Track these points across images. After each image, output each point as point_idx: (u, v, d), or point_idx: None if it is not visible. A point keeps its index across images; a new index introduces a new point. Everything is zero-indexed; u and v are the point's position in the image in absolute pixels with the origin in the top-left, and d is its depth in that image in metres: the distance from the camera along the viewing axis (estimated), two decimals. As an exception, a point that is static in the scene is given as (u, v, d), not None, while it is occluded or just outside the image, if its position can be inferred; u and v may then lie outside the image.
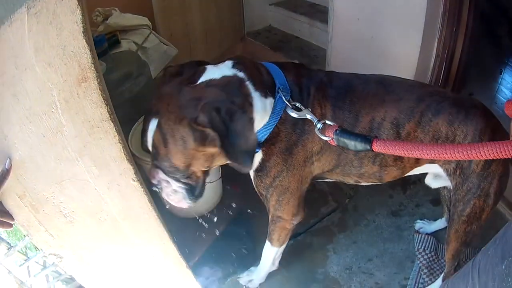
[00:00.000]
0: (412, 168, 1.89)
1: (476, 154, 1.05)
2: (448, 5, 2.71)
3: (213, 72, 1.61)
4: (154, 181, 1.66)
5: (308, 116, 1.57)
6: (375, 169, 1.87)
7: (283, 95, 1.64)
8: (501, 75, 3.63)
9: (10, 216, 1.51)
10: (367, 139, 1.35)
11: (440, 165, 1.85)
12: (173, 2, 4.01)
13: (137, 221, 1.71)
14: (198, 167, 1.62)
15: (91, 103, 1.32)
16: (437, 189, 2.30)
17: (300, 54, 4.39)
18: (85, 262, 1.81)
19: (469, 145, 1.07)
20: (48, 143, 1.37)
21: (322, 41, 4.26)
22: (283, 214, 1.98)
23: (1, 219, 1.50)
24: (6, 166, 1.36)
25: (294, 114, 1.61)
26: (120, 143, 1.42)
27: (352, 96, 1.73)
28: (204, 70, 1.63)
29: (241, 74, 1.61)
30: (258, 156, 1.79)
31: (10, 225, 1.52)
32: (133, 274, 1.98)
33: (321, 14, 4.37)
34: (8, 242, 2.25)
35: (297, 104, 1.62)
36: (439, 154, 1.13)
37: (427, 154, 1.16)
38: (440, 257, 2.47)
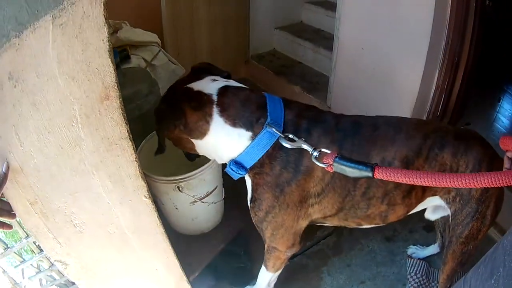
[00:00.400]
0: (417, 204, 1.90)
1: (474, 183, 1.16)
2: (451, 36, 2.74)
3: (201, 85, 1.78)
4: None
5: (304, 146, 1.58)
6: (383, 209, 1.86)
7: (276, 129, 1.66)
8: (500, 103, 3.68)
9: (12, 215, 1.50)
10: (368, 166, 1.36)
11: (440, 196, 1.88)
12: (182, 19, 4.05)
13: (144, 235, 1.74)
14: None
15: (112, 121, 1.34)
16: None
17: (302, 80, 4.39)
18: (90, 271, 1.81)
19: (467, 175, 1.17)
20: (65, 155, 1.38)
21: (325, 68, 4.28)
22: (278, 246, 1.99)
23: (3, 218, 1.50)
24: (4, 170, 1.36)
25: (287, 145, 1.62)
26: (136, 161, 1.46)
27: (361, 139, 1.74)
28: (202, 78, 1.83)
29: (214, 97, 1.73)
30: (248, 183, 1.85)
31: (10, 227, 1.52)
32: (136, 285, 1.99)
33: (325, 41, 4.38)
34: (5, 242, 2.26)
35: (290, 136, 1.65)
36: (439, 182, 1.21)
37: (429, 182, 1.22)
38: (431, 281, 2.50)
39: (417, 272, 2.54)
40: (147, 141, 2.26)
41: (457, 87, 3.01)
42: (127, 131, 1.39)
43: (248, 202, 1.89)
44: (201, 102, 1.72)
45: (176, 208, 2.23)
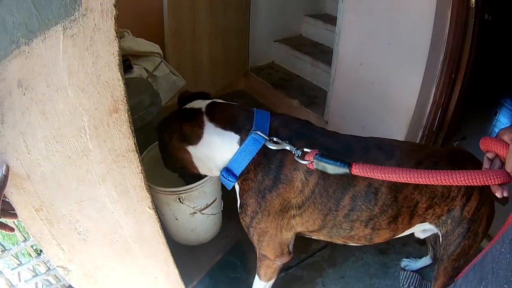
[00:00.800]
0: (404, 230, 1.88)
1: (449, 180, 1.20)
2: (449, 52, 2.76)
3: (196, 103, 1.90)
4: None
5: (287, 147, 1.64)
6: (367, 232, 1.84)
7: (261, 134, 1.70)
8: (496, 117, 3.68)
9: (14, 214, 1.50)
10: (346, 163, 1.42)
11: (429, 222, 1.86)
12: (184, 31, 4.06)
13: (146, 245, 1.75)
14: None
15: (120, 133, 1.36)
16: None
17: (300, 93, 4.40)
18: (92, 278, 1.81)
19: (444, 172, 1.21)
20: (72, 165, 1.39)
21: (323, 82, 4.31)
22: (267, 254, 2.00)
23: (4, 218, 1.51)
24: (3, 172, 1.36)
25: (272, 147, 1.67)
26: (142, 173, 1.47)
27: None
28: (196, 99, 1.94)
29: (203, 109, 1.83)
30: (237, 190, 1.90)
31: (12, 229, 1.52)
32: None
33: (324, 55, 4.41)
34: (2, 245, 2.29)
35: (275, 139, 1.68)
36: (414, 179, 1.25)
37: (403, 178, 1.27)
38: None
39: (411, 284, 2.56)
40: (149, 152, 2.27)
41: (454, 102, 3.02)
42: (134, 143, 1.40)
43: (238, 209, 1.92)
44: (193, 114, 1.82)
45: (176, 219, 2.23)
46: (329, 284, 2.64)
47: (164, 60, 3.64)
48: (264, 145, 1.70)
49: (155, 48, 3.63)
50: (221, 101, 1.93)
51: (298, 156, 1.59)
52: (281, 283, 2.55)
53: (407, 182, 1.28)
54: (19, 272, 2.61)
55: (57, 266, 1.72)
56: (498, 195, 1.22)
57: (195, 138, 1.79)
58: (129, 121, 1.35)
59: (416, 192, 1.72)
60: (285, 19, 4.93)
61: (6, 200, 1.47)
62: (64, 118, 1.31)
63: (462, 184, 1.20)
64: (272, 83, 4.65)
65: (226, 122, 1.79)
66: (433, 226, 1.88)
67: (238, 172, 1.79)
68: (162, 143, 1.99)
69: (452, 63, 2.84)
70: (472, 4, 2.70)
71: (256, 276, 2.19)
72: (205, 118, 1.79)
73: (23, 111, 1.29)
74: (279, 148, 1.67)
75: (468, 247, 1.84)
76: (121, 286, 1.95)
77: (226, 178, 1.82)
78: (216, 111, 1.83)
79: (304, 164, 1.60)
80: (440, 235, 1.89)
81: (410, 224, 1.83)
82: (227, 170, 1.81)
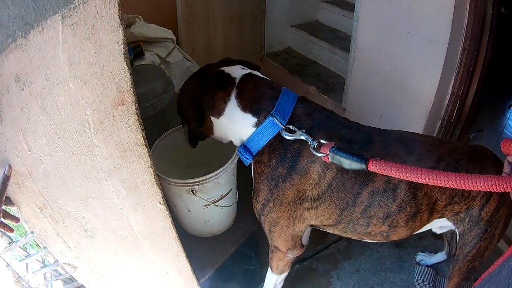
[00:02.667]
0: (422, 227, 1.81)
1: (469, 185, 1.12)
2: (468, 43, 2.69)
3: (232, 70, 1.84)
4: None
5: (302, 137, 1.57)
6: (384, 229, 1.78)
7: (279, 120, 1.65)
8: (510, 109, 3.61)
9: (16, 218, 1.44)
10: (363, 158, 1.36)
11: (447, 218, 1.80)
12: (198, 16, 3.99)
13: (157, 240, 1.70)
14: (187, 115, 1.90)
15: (127, 126, 1.28)
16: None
17: (317, 80, 4.32)
18: (100, 274, 1.75)
19: (463, 175, 1.13)
20: (76, 161, 1.31)
21: (340, 69, 4.24)
22: (279, 246, 1.95)
23: (6, 220, 1.42)
24: (6, 172, 1.31)
25: (287, 136, 1.61)
26: (151, 168, 1.41)
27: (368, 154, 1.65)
28: (232, 64, 1.90)
29: (236, 81, 1.79)
30: (252, 171, 1.85)
31: (12, 230, 1.46)
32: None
33: (341, 41, 4.33)
34: (9, 237, 2.21)
35: (291, 127, 1.63)
36: (433, 180, 1.18)
37: (421, 179, 1.19)
38: None
39: (425, 280, 2.50)
40: (161, 141, 2.20)
41: (472, 94, 2.94)
42: (143, 137, 1.33)
43: (252, 192, 1.88)
44: (227, 82, 1.78)
45: (189, 211, 2.16)
46: (343, 277, 2.59)
47: (177, 46, 3.56)
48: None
49: (168, 33, 3.57)
50: (257, 74, 1.88)
51: (314, 148, 1.53)
52: (296, 275, 2.51)
53: (425, 183, 1.21)
54: (27, 264, 2.54)
55: (64, 264, 1.67)
56: None
57: (218, 112, 1.79)
58: (136, 114, 1.28)
59: (436, 190, 1.66)
60: (301, 5, 4.83)
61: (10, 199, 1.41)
62: (66, 113, 1.22)
63: (481, 190, 1.12)
64: (289, 68, 4.57)
65: (249, 101, 1.75)
66: (451, 223, 1.82)
67: (254, 151, 1.75)
68: (181, 96, 1.93)
69: (471, 54, 2.76)
70: (490, -3, 2.64)
71: (269, 269, 2.15)
72: (234, 92, 1.76)
73: (22, 107, 1.20)
74: (294, 139, 1.61)
75: (484, 249, 1.79)
76: (130, 282, 1.89)
77: (243, 155, 1.78)
78: (246, 87, 1.78)
79: (319, 156, 1.53)
80: (457, 233, 1.83)
81: (428, 221, 1.78)
82: (244, 147, 1.77)
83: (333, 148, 1.45)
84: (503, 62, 3.09)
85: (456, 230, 1.82)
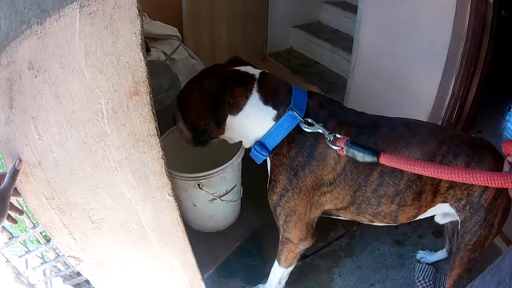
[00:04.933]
0: (427, 208, 1.88)
1: (470, 179, 1.24)
2: (468, 45, 2.70)
3: (247, 68, 1.85)
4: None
5: (320, 130, 1.65)
6: (393, 209, 1.84)
7: (297, 113, 1.71)
8: (510, 112, 3.63)
9: (19, 211, 1.45)
10: (375, 152, 1.51)
11: (450, 204, 1.86)
12: (202, 14, 4.00)
13: (164, 233, 1.68)
14: (196, 117, 1.83)
15: (140, 117, 1.27)
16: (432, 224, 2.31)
17: (319, 80, 4.34)
18: (105, 267, 1.73)
19: (465, 170, 1.26)
20: (88, 150, 1.29)
21: (342, 69, 4.25)
22: (291, 237, 1.97)
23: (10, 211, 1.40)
24: (16, 167, 1.30)
25: (306, 129, 1.68)
26: (163, 158, 1.39)
27: (376, 137, 1.75)
28: (243, 64, 1.90)
29: (256, 76, 1.80)
30: (268, 165, 1.88)
31: (15, 221, 1.46)
32: (150, 281, 1.93)
33: (343, 42, 4.34)
34: (10, 232, 2.23)
35: (310, 120, 1.69)
36: (437, 173, 1.31)
37: (427, 172, 1.33)
38: (438, 286, 2.48)
39: (425, 277, 2.51)
40: (167, 136, 2.19)
41: (472, 95, 2.95)
42: (156, 127, 1.32)
43: (267, 185, 1.90)
44: (247, 79, 1.78)
45: (194, 205, 2.15)
46: (345, 274, 2.59)
47: (182, 43, 3.55)
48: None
49: (173, 31, 3.56)
50: (268, 72, 1.90)
51: (330, 141, 1.63)
52: (298, 272, 2.49)
53: (431, 176, 1.34)
54: (26, 260, 2.54)
55: (68, 256, 1.65)
56: None
57: (236, 109, 1.78)
58: (150, 104, 1.27)
59: None
60: (304, 5, 4.83)
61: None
62: (80, 101, 1.21)
63: (481, 184, 1.23)
64: (291, 68, 4.58)
65: (269, 95, 1.78)
66: (454, 210, 1.88)
67: (271, 146, 1.79)
68: (195, 94, 1.83)
69: (471, 56, 2.77)
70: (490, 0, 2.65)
71: (276, 262, 2.17)
72: (255, 87, 1.78)
73: (34, 95, 1.18)
74: (313, 131, 1.68)
75: (484, 238, 1.84)
76: (135, 276, 1.87)
77: (259, 152, 1.81)
78: (265, 82, 1.80)
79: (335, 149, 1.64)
80: (459, 221, 1.89)
81: (432, 203, 1.86)
82: (260, 144, 1.81)
83: (348, 142, 1.56)
84: (503, 64, 3.09)
85: (458, 218, 1.87)
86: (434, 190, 1.78)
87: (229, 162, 2.02)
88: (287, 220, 1.90)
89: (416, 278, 2.52)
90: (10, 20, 1.13)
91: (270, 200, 1.90)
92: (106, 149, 1.30)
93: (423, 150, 1.72)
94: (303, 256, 2.55)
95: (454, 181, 1.67)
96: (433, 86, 2.82)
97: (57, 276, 2.61)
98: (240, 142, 1.96)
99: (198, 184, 1.97)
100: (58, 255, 2.45)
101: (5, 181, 1.30)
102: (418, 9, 2.78)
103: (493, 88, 3.18)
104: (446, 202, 1.85)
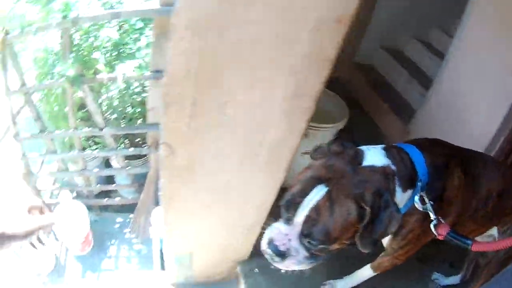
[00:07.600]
0: (487, 229, 2.06)
1: None
2: None
3: (372, 158, 1.61)
4: (283, 248, 1.58)
5: (430, 212, 1.59)
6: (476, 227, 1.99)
7: (420, 186, 1.64)
8: None
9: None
10: (468, 240, 1.47)
11: (497, 228, 2.04)
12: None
13: (275, 152, 1.81)
14: (341, 241, 1.57)
15: None
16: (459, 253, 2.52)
17: (391, 100, 4.46)
18: (191, 170, 1.82)
19: None
20: None
21: (412, 99, 4.33)
22: (400, 259, 2.02)
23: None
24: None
25: (419, 206, 1.63)
26: None
27: (474, 174, 1.86)
28: (363, 153, 1.63)
29: (393, 167, 1.61)
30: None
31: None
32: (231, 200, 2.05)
33: (420, 76, 4.39)
34: (44, 124, 2.30)
35: (424, 197, 1.62)
36: None
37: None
38: None
39: None
40: None
41: None
42: None
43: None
44: (388, 178, 1.60)
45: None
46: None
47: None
48: None
49: None
50: (379, 146, 1.74)
51: (434, 225, 1.57)
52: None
53: None
54: (42, 161, 2.58)
55: (162, 143, 1.68)
56: None
57: None
58: None
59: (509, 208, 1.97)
60: (394, 33, 4.84)
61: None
62: None
63: None
64: (368, 84, 4.72)
65: (406, 179, 1.65)
66: (497, 233, 2.06)
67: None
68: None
69: None
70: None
71: (368, 265, 2.21)
72: (396, 182, 1.62)
73: None
74: (423, 210, 1.63)
75: None
76: (216, 189, 1.96)
77: None
78: (398, 166, 1.65)
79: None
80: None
81: (494, 225, 2.04)
82: None
83: (450, 233, 1.51)
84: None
85: (496, 239, 2.04)
86: (499, 216, 1.96)
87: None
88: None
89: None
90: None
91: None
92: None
93: (501, 183, 1.91)
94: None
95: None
96: (492, 128, 2.95)
97: (68, 189, 2.62)
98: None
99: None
100: (85, 169, 2.46)
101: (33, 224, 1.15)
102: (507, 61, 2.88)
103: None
104: (497, 226, 2.03)
